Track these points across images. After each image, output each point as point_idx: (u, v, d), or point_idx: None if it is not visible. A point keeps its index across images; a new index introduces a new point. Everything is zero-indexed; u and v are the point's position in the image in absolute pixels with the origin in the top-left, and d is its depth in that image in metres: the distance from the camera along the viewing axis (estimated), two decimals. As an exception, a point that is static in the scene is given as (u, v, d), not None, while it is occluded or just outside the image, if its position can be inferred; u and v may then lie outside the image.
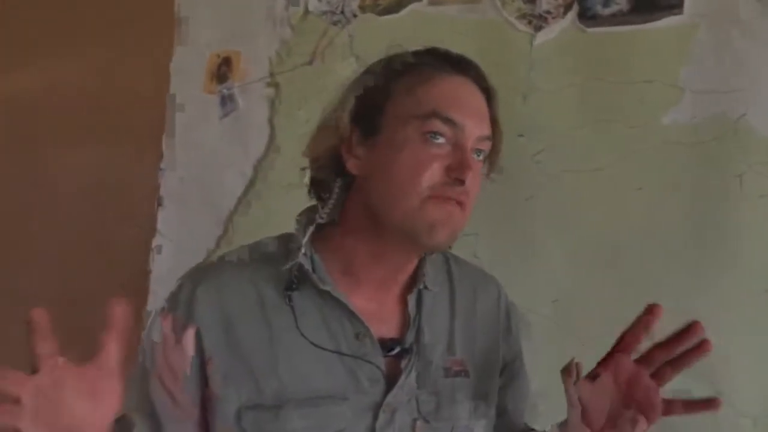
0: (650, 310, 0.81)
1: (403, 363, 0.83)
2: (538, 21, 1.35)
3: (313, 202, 0.88)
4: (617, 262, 1.26)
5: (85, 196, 2.02)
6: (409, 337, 0.85)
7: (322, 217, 0.84)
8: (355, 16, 1.58)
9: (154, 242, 1.85)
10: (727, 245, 1.16)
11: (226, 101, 1.76)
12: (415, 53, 0.84)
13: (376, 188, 0.81)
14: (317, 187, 0.87)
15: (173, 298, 0.84)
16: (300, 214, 0.87)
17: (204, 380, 0.80)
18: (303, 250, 0.82)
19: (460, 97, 0.80)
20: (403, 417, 0.82)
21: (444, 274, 0.94)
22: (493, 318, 0.95)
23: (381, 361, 0.82)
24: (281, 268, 0.82)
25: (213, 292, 0.82)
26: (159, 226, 1.84)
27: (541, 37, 1.34)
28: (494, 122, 0.84)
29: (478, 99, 0.82)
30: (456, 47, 1.40)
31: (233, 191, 1.71)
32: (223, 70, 1.78)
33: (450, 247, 0.88)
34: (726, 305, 1.16)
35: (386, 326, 0.85)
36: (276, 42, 1.69)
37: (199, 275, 0.84)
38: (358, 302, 0.83)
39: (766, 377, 1.13)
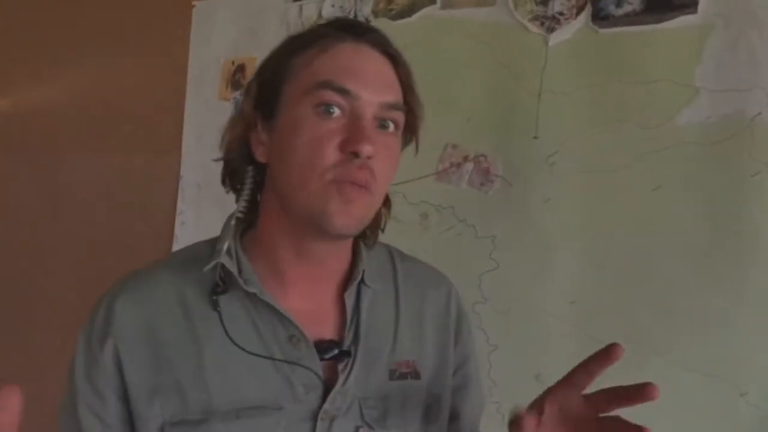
0: (611, 352, 0.70)
1: (341, 366, 0.78)
2: (550, 23, 1.34)
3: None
4: (634, 263, 1.25)
5: (104, 202, 2.05)
6: (348, 339, 0.80)
7: (240, 210, 0.80)
8: (368, 20, 1.58)
9: (173, 248, 1.87)
10: (744, 244, 1.15)
11: (242, 108, 1.77)
12: (314, 27, 0.80)
13: (279, 174, 0.76)
14: (231, 178, 0.83)
15: (91, 316, 0.79)
16: (232, 214, 0.82)
17: (125, 395, 0.75)
18: (225, 249, 0.76)
19: (355, 64, 0.74)
20: (344, 425, 0.76)
21: (388, 271, 0.88)
22: (443, 318, 0.89)
23: (318, 365, 0.76)
24: (205, 271, 0.77)
25: (132, 304, 0.77)
26: (177, 232, 1.86)
27: (554, 38, 1.34)
28: (407, 89, 0.78)
29: (378, 64, 0.76)
30: (468, 50, 1.43)
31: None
32: (237, 76, 1.79)
33: (372, 235, 0.84)
34: (744, 304, 1.15)
35: (323, 328, 0.80)
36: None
37: (117, 288, 0.79)
38: (290, 303, 0.77)
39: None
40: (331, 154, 0.71)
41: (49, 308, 2.13)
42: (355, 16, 1.60)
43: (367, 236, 0.85)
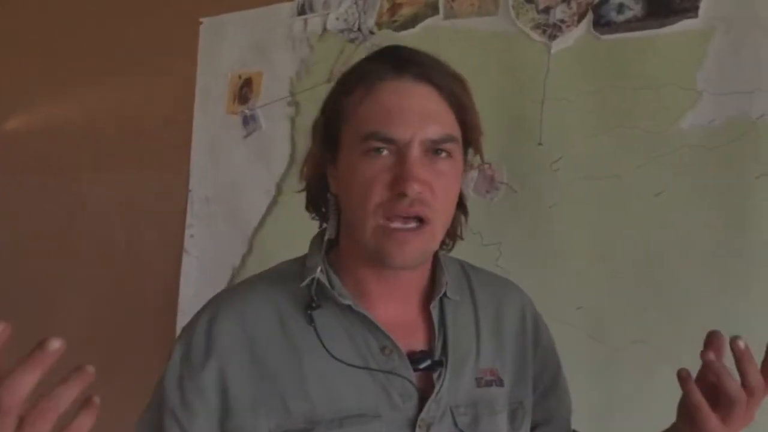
0: (712, 340, 0.74)
1: (435, 376, 0.81)
2: (552, 30, 1.35)
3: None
4: (641, 267, 1.25)
5: (118, 217, 2.08)
6: (437, 349, 0.83)
7: (330, 233, 0.84)
8: (372, 33, 1.60)
9: (183, 260, 1.88)
10: (752, 246, 1.15)
11: (249, 121, 1.79)
12: (362, 62, 0.82)
13: (344, 209, 0.81)
14: (313, 205, 0.87)
15: (189, 333, 0.82)
16: (314, 237, 0.87)
17: (224, 414, 0.78)
18: (320, 267, 0.81)
19: (397, 106, 0.75)
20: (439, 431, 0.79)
21: (464, 282, 0.91)
22: (520, 324, 0.92)
23: (412, 374, 0.79)
24: (299, 287, 0.81)
25: (233, 319, 0.80)
26: (186, 245, 1.88)
27: (557, 46, 1.34)
28: (460, 110, 0.79)
29: (422, 99, 0.76)
30: (472, 60, 1.44)
31: (258, 209, 1.74)
32: (244, 90, 1.81)
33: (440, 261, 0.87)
34: (753, 307, 1.15)
35: (412, 339, 0.83)
36: (296, 61, 1.72)
37: (215, 306, 0.83)
38: (379, 317, 0.80)
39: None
40: (379, 193, 0.74)
41: (66, 321, 2.15)
42: (359, 28, 1.62)
43: (445, 243, 0.88)
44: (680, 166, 1.22)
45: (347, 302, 0.79)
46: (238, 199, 1.80)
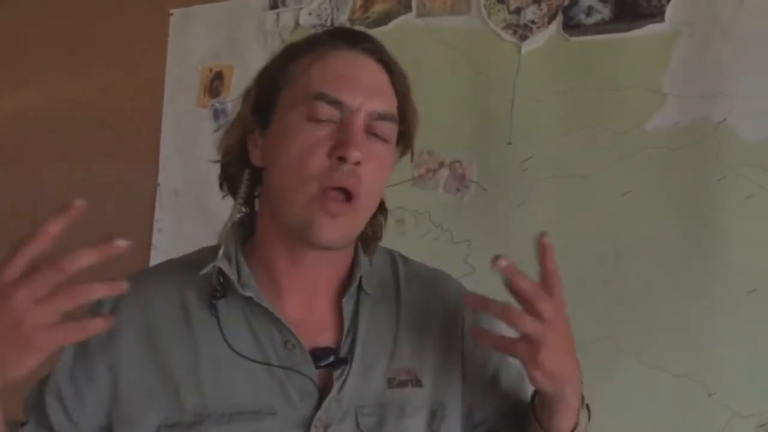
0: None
1: (336, 373, 0.77)
2: (523, 31, 1.37)
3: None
4: (606, 266, 1.27)
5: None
6: (345, 346, 0.79)
7: (238, 211, 0.81)
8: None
9: (150, 255, 1.86)
10: (713, 246, 1.18)
11: (219, 115, 1.78)
12: (311, 35, 0.81)
13: (271, 178, 0.77)
14: (228, 182, 0.83)
15: (95, 309, 0.77)
16: (232, 219, 0.82)
17: (113, 403, 0.75)
18: (221, 253, 0.77)
19: (348, 72, 0.75)
20: None
21: (389, 276, 0.87)
22: (450, 321, 0.86)
23: (313, 372, 0.76)
24: (205, 275, 0.77)
25: (137, 305, 0.77)
26: (154, 240, 1.86)
27: (527, 46, 1.36)
28: (401, 97, 0.79)
29: (372, 71, 0.76)
30: (443, 58, 1.45)
31: (227, 203, 1.72)
32: (215, 84, 1.80)
33: (369, 246, 0.85)
34: (715, 307, 1.17)
35: (320, 335, 0.79)
36: (268, 55, 1.70)
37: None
38: (287, 311, 0.77)
39: (758, 377, 1.14)
40: (318, 159, 0.72)
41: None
42: (332, 24, 1.62)
43: (367, 243, 0.85)
44: (645, 166, 1.24)
45: (248, 294, 0.76)
46: (207, 193, 1.78)
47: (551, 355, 0.72)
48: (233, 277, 0.77)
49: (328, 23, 1.62)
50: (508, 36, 1.39)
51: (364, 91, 0.74)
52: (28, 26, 2.21)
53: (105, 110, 2.01)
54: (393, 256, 0.91)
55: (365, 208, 0.76)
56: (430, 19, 1.49)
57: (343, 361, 0.77)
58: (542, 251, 0.77)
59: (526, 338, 0.72)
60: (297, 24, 1.67)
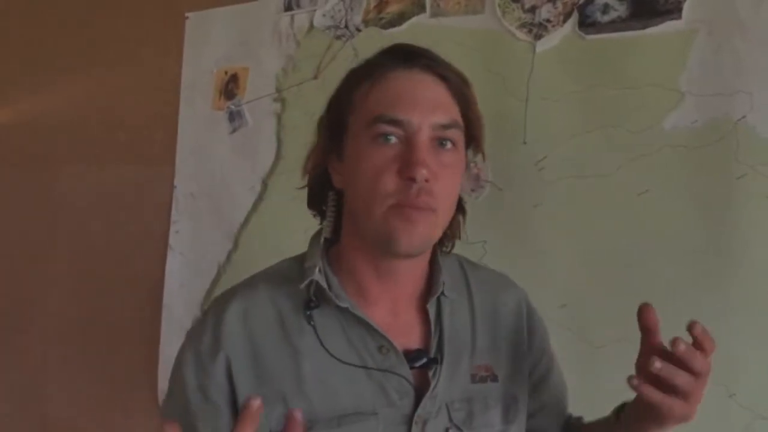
0: (643, 314, 0.82)
1: (431, 373, 0.83)
2: (538, 30, 1.36)
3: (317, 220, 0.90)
4: (624, 265, 1.26)
5: (100, 212, 2.06)
6: (433, 347, 0.85)
7: (326, 231, 0.86)
8: (358, 30, 1.60)
9: (168, 257, 1.88)
10: (732, 246, 1.17)
11: (235, 117, 1.79)
12: (372, 58, 0.84)
13: (351, 201, 0.82)
14: (313, 203, 0.89)
15: (197, 331, 0.83)
16: (313, 234, 0.88)
17: (235, 409, 0.79)
18: (317, 268, 0.82)
19: (405, 92, 0.78)
20: (435, 427, 0.81)
21: (461, 279, 0.93)
22: (515, 320, 0.94)
23: (408, 372, 0.81)
24: (298, 287, 0.82)
25: (237, 319, 0.81)
26: (171, 241, 1.87)
27: (542, 45, 1.35)
28: (465, 105, 0.82)
29: (428, 87, 0.79)
30: (458, 58, 1.41)
31: (243, 205, 1.74)
32: (230, 86, 1.81)
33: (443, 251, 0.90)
34: (733, 305, 1.16)
35: (408, 338, 0.84)
36: (282, 58, 1.72)
37: (223, 304, 0.84)
38: (376, 317, 0.82)
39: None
40: (390, 181, 0.75)
41: (47, 319, 2.14)
42: (346, 25, 1.62)
43: (444, 244, 0.90)
44: (663, 165, 1.23)
45: (344, 305, 0.81)
46: (223, 195, 1.79)
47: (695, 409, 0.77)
48: (327, 288, 0.81)
49: (342, 25, 1.62)
50: (522, 35, 1.38)
51: (423, 107, 0.77)
52: (44, 31, 2.23)
53: (121, 113, 2.03)
54: (459, 260, 0.96)
55: (443, 213, 0.80)
56: (444, 19, 1.48)
57: (434, 361, 0.83)
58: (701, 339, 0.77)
59: (679, 394, 0.75)
60: (311, 25, 1.68)
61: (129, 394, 1.90)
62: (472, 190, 1.41)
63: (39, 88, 2.25)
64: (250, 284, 0.86)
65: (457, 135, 0.80)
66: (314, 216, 0.90)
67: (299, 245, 0.88)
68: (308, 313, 0.81)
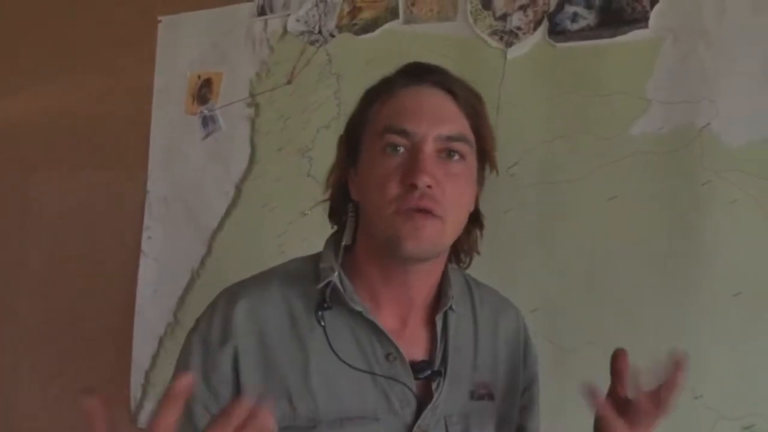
0: (617, 360, 0.85)
1: (434, 385, 0.84)
2: (509, 37, 1.38)
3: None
4: (594, 271, 1.28)
5: (72, 218, 2.04)
6: (438, 359, 0.86)
7: (347, 239, 0.87)
8: (332, 35, 1.61)
9: (140, 262, 1.86)
10: (698, 250, 1.19)
11: (208, 122, 1.78)
12: (389, 75, 0.87)
13: (364, 210, 0.85)
14: (334, 215, 0.92)
15: (206, 320, 0.84)
16: (329, 238, 0.90)
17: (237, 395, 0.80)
18: (336, 273, 0.83)
19: (414, 105, 0.81)
20: None
21: (466, 295, 0.95)
22: (514, 342, 0.97)
23: (413, 383, 0.82)
24: (313, 287, 0.83)
25: (247, 311, 0.82)
26: (144, 247, 1.85)
27: (513, 52, 1.37)
28: (474, 119, 0.85)
29: (437, 100, 0.83)
30: None
31: (217, 210, 1.73)
32: (204, 91, 1.80)
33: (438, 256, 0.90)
34: (700, 310, 1.18)
35: (415, 348, 0.86)
36: (256, 62, 1.71)
37: (232, 295, 0.85)
38: (386, 324, 0.83)
39: (743, 379, 1.15)
40: (394, 187, 0.78)
41: (19, 324, 2.11)
42: (320, 31, 1.62)
43: (461, 258, 0.93)
44: (631, 171, 1.25)
45: (359, 308, 0.82)
46: (197, 200, 1.78)
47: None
48: (344, 291, 0.82)
49: (316, 30, 1.63)
50: (494, 42, 1.39)
51: (429, 119, 0.80)
52: (16, 35, 2.20)
53: (93, 118, 2.01)
54: (465, 277, 0.98)
55: (451, 221, 0.81)
56: (417, 26, 1.49)
57: (438, 374, 0.84)
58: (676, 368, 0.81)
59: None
60: (285, 30, 1.68)
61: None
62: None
63: (9, 93, 2.23)
64: (262, 280, 0.87)
65: (465, 148, 0.82)
66: (333, 227, 0.93)
67: (273, 249, 0.89)
68: (320, 313, 0.82)
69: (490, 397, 0.90)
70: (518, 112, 1.35)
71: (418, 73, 0.85)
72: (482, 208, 1.37)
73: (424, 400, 0.83)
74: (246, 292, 0.85)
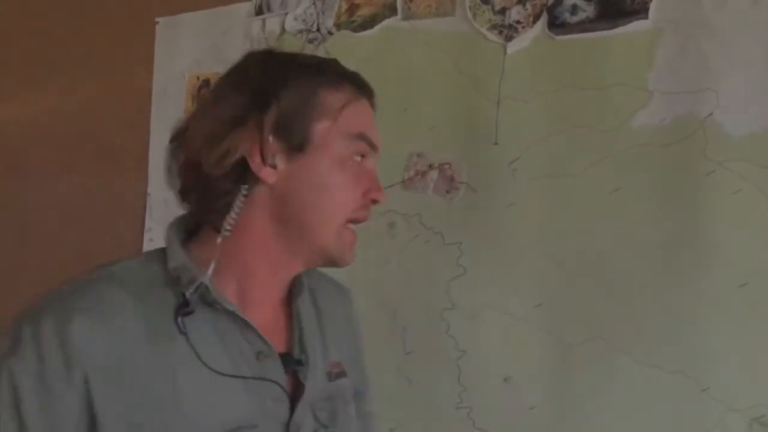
0: None
1: (302, 376, 0.80)
2: (508, 31, 1.37)
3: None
4: (598, 264, 1.27)
5: (73, 222, 2.03)
6: (296, 349, 0.82)
7: (226, 229, 0.75)
8: (330, 33, 1.60)
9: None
10: (703, 242, 1.18)
11: (207, 123, 1.77)
12: (332, 64, 0.82)
13: (298, 204, 0.76)
14: (213, 195, 0.76)
15: (33, 347, 0.68)
16: (172, 229, 0.80)
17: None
18: (211, 270, 0.73)
19: (371, 121, 0.83)
20: (307, 430, 0.79)
21: (303, 282, 0.88)
22: (350, 319, 0.98)
23: (284, 378, 0.77)
24: (167, 290, 0.73)
25: (94, 330, 0.68)
26: (145, 248, 1.85)
27: (513, 46, 1.36)
28: None
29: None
30: (430, 60, 1.45)
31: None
32: (203, 92, 1.79)
33: None
34: (706, 302, 1.17)
35: (277, 342, 0.80)
36: (254, 62, 1.71)
37: (60, 312, 0.69)
38: (255, 321, 0.76)
39: (750, 371, 1.14)
40: (354, 197, 0.79)
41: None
42: (318, 29, 1.61)
43: None
44: (633, 164, 1.24)
45: (232, 308, 0.74)
46: (197, 201, 1.78)
47: None
48: (214, 291, 0.73)
49: (314, 28, 1.62)
50: (493, 36, 1.39)
51: (378, 140, 0.82)
52: (12, 39, 2.20)
53: (93, 120, 2.00)
54: None
55: None
56: (416, 22, 1.49)
57: (299, 363, 0.81)
58: None
59: None
60: (283, 29, 1.67)
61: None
62: (447, 192, 1.42)
63: (6, 98, 2.22)
64: (101, 291, 0.72)
65: None
66: (186, 208, 0.82)
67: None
68: (180, 320, 0.71)
69: (344, 374, 0.88)
70: (519, 106, 1.35)
71: (370, 93, 0.84)
72: (486, 204, 1.38)
73: (293, 393, 0.78)
74: (76, 307, 0.69)
